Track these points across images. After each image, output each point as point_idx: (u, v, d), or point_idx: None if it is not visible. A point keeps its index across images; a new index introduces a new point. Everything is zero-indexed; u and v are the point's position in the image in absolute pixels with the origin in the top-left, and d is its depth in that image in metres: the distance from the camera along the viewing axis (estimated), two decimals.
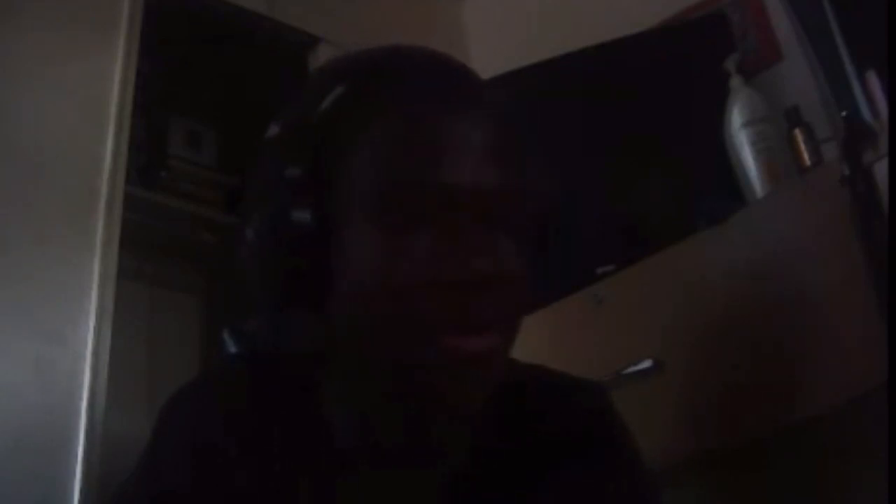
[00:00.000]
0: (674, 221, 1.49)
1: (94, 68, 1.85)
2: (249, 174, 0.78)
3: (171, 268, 2.49)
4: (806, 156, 1.49)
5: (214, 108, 2.57)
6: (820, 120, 1.50)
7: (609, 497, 0.80)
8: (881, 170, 1.19)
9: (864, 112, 1.34)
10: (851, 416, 1.16)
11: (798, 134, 1.50)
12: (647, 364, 1.34)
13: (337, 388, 0.80)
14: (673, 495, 0.90)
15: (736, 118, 1.58)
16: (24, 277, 1.62)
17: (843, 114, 1.33)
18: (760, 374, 1.27)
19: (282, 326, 0.84)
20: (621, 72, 1.72)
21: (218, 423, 0.81)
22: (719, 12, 1.84)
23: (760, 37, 1.80)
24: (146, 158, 2.34)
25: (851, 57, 1.39)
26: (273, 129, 0.78)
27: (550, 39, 1.92)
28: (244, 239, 0.76)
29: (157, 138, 2.42)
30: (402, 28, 2.11)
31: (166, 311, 2.47)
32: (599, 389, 0.88)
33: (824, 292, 1.24)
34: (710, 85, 1.64)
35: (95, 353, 1.64)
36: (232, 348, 0.89)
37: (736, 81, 1.61)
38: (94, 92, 1.84)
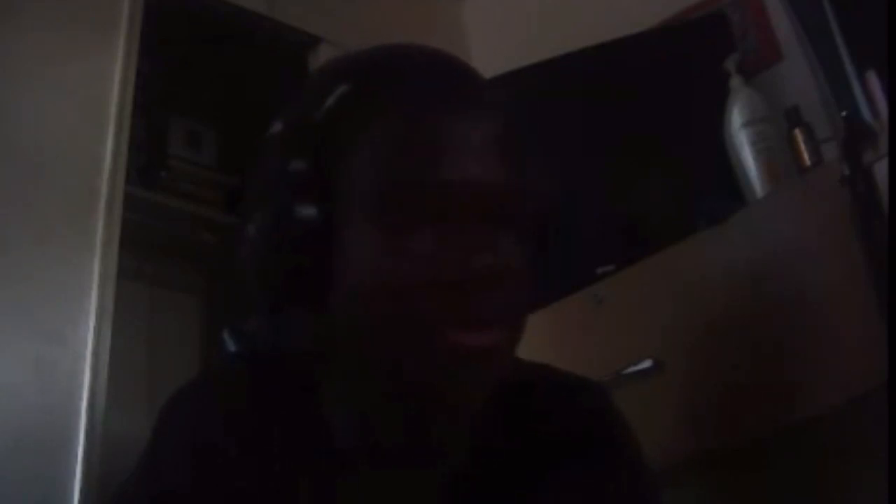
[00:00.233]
0: (674, 221, 1.49)
1: (94, 68, 1.85)
2: (251, 172, 0.78)
3: (171, 268, 2.49)
4: (806, 156, 1.49)
5: (214, 108, 2.57)
6: (820, 120, 1.50)
7: (609, 497, 0.80)
8: (881, 170, 1.18)
9: (864, 112, 1.34)
10: (851, 416, 1.16)
11: (798, 134, 1.50)
12: (647, 364, 1.34)
13: (337, 387, 0.80)
14: (673, 495, 0.90)
15: (736, 118, 1.58)
16: (24, 277, 1.62)
17: (843, 114, 1.32)
18: (760, 374, 1.27)
19: (282, 326, 0.84)
20: (621, 72, 1.72)
21: (218, 424, 0.81)
22: (719, 12, 1.84)
23: (760, 37, 1.80)
24: (146, 158, 2.34)
25: (851, 57, 1.39)
26: (276, 127, 0.78)
27: (550, 39, 1.92)
28: (245, 237, 0.76)
29: (157, 138, 2.42)
30: (402, 28, 2.10)
31: (166, 311, 2.47)
32: (601, 389, 0.88)
33: (824, 292, 1.23)
34: (710, 85, 1.64)
35: (95, 353, 1.64)
36: (232, 348, 0.89)
37: (736, 81, 1.61)
38: (94, 92, 1.84)
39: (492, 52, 2.17)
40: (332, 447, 0.79)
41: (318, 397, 0.81)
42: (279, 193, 0.73)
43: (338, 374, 0.80)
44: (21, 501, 1.48)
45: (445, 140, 0.73)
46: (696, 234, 1.42)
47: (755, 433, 1.25)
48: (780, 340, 1.27)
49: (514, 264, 0.73)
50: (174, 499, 0.78)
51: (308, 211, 0.73)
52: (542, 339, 1.13)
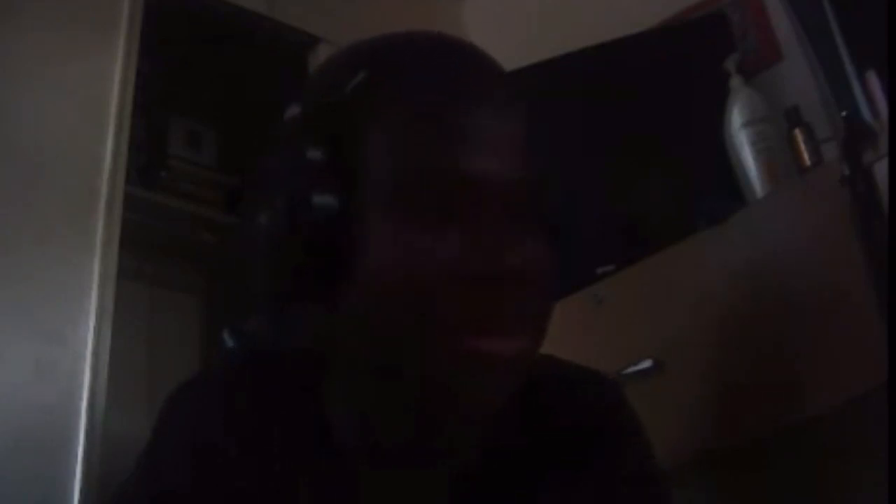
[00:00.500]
0: (674, 221, 1.49)
1: (94, 68, 1.85)
2: (261, 160, 0.73)
3: (171, 268, 2.49)
4: (806, 156, 1.49)
5: (214, 108, 2.57)
6: (820, 120, 1.50)
7: (620, 492, 0.78)
8: (881, 170, 1.18)
9: (864, 112, 1.34)
10: (851, 416, 1.16)
11: (798, 134, 1.50)
12: (647, 364, 1.34)
13: (339, 386, 0.79)
14: (673, 495, 0.90)
15: (736, 118, 1.58)
16: (24, 277, 1.62)
17: (843, 114, 1.33)
18: (760, 374, 1.27)
19: (284, 323, 0.80)
20: (621, 72, 1.72)
21: (218, 423, 0.80)
22: (719, 12, 1.84)
23: (760, 37, 1.80)
24: (146, 158, 2.34)
25: (851, 57, 1.39)
26: (291, 112, 0.74)
27: (550, 39, 1.92)
28: (252, 228, 0.72)
29: (157, 138, 2.42)
30: (401, 28, 2.10)
31: (166, 311, 2.47)
32: (611, 384, 0.87)
33: (824, 292, 1.23)
34: (710, 85, 1.64)
35: (95, 353, 1.64)
36: (231, 346, 0.88)
37: (736, 81, 1.61)
38: (94, 92, 1.84)
39: (492, 52, 2.17)
40: (332, 446, 0.78)
41: (319, 396, 0.80)
42: (294, 181, 0.69)
43: (341, 373, 0.79)
44: (21, 501, 1.48)
45: (469, 129, 0.70)
46: (696, 234, 1.42)
47: (755, 433, 1.25)
48: (780, 340, 1.27)
49: (540, 264, 0.71)
50: (174, 499, 0.78)
51: (324, 200, 0.69)
52: None
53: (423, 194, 0.68)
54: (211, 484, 0.78)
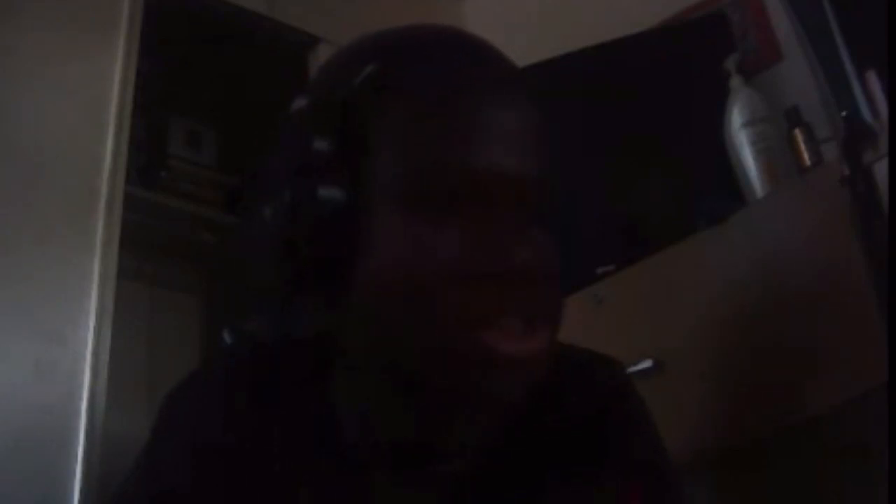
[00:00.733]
0: (674, 221, 1.49)
1: (94, 68, 1.85)
2: (268, 152, 0.72)
3: (171, 268, 2.49)
4: (806, 156, 1.49)
5: (214, 108, 2.57)
6: (820, 120, 1.50)
7: (628, 482, 0.77)
8: (881, 170, 1.19)
9: (864, 112, 1.34)
10: (851, 416, 1.16)
11: (798, 134, 1.51)
12: (647, 364, 1.34)
13: (342, 383, 0.78)
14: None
15: (736, 118, 1.58)
16: (24, 277, 1.62)
17: (843, 114, 1.33)
18: (760, 374, 1.27)
19: (285, 319, 0.78)
20: (621, 72, 1.72)
21: (218, 422, 0.80)
22: (719, 12, 1.84)
23: (760, 37, 1.80)
24: (146, 158, 2.34)
25: (851, 57, 1.39)
26: (299, 103, 0.73)
27: (550, 39, 1.92)
28: (256, 220, 0.71)
29: (157, 138, 2.42)
30: None
31: (166, 311, 2.47)
32: (617, 370, 0.86)
33: (824, 292, 1.23)
34: (710, 85, 1.64)
35: (95, 353, 1.64)
36: (230, 343, 0.87)
37: (736, 81, 1.61)
38: (94, 92, 1.84)
39: None
40: (333, 445, 0.77)
41: (323, 392, 0.79)
42: (300, 175, 0.68)
43: (344, 370, 0.78)
44: (21, 501, 1.48)
45: (479, 125, 0.69)
46: (696, 234, 1.42)
47: (755, 433, 1.25)
48: (780, 340, 1.27)
49: (551, 261, 0.70)
50: (174, 498, 0.77)
51: (330, 194, 0.67)
52: None
53: (432, 190, 0.67)
54: (211, 483, 0.78)
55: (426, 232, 0.67)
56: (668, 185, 1.60)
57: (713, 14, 1.85)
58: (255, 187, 0.73)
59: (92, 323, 1.66)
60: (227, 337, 0.82)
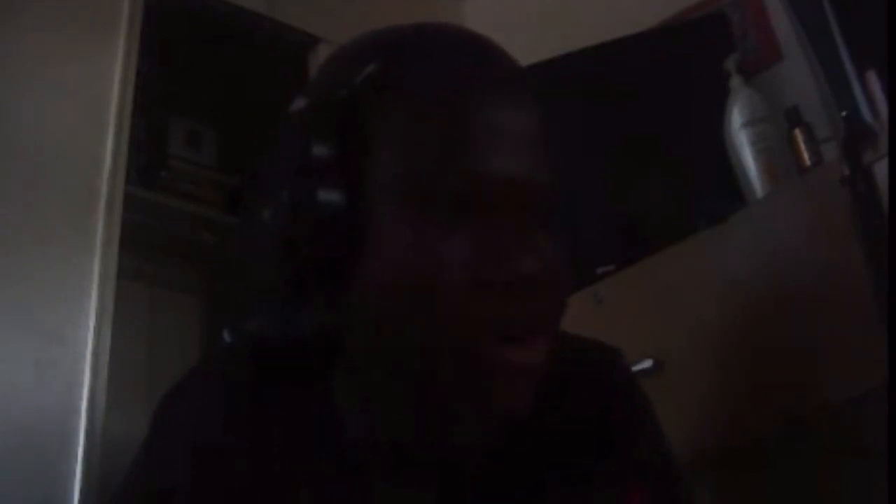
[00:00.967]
0: (674, 221, 1.49)
1: (94, 68, 1.86)
2: (269, 152, 0.71)
3: (171, 268, 2.49)
4: (806, 156, 1.49)
5: (214, 108, 2.57)
6: (820, 120, 1.50)
7: (632, 481, 0.77)
8: (881, 170, 1.19)
9: (864, 112, 1.34)
10: (851, 416, 1.16)
11: (798, 134, 1.50)
12: (647, 364, 1.34)
13: (343, 383, 0.78)
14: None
15: (736, 118, 1.58)
16: (24, 277, 1.62)
17: (843, 114, 1.32)
18: (760, 373, 1.27)
19: (285, 319, 0.76)
20: (621, 72, 1.72)
21: (217, 421, 0.80)
22: (719, 12, 1.84)
23: (760, 37, 1.80)
24: (146, 158, 2.34)
25: (851, 57, 1.39)
26: (299, 103, 0.71)
27: (550, 39, 1.91)
28: (256, 222, 0.70)
29: (157, 138, 2.43)
30: None
31: (166, 311, 2.47)
32: (621, 364, 0.85)
33: (824, 292, 1.23)
34: (710, 85, 1.64)
35: (95, 353, 1.64)
36: (231, 343, 0.87)
37: (736, 81, 1.61)
38: (94, 92, 1.84)
39: None
40: (333, 443, 0.77)
41: (324, 392, 0.79)
42: (299, 176, 0.67)
43: (345, 372, 0.78)
44: (21, 501, 1.48)
45: (482, 125, 0.67)
46: (696, 234, 1.42)
47: (755, 433, 1.25)
48: (780, 340, 1.27)
49: (557, 268, 0.69)
50: (174, 498, 0.77)
51: (329, 196, 0.66)
52: None
53: (434, 193, 0.66)
54: (210, 482, 0.78)
55: (429, 234, 0.66)
56: (668, 185, 1.60)
57: (713, 14, 1.85)
58: (254, 187, 0.72)
59: (92, 323, 1.66)
60: (227, 337, 0.81)
